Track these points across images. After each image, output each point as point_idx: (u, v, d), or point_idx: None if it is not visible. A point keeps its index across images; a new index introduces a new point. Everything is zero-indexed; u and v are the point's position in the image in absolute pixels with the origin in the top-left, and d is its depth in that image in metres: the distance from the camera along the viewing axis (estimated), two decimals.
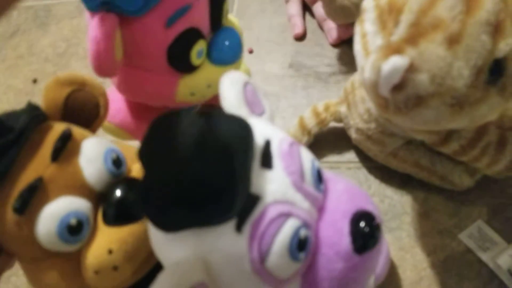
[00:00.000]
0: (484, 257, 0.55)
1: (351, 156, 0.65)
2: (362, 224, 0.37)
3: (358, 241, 0.36)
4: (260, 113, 0.42)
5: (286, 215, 0.34)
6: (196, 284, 0.32)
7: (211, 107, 0.35)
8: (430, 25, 0.38)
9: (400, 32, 0.39)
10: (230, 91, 0.40)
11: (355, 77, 0.59)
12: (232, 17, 0.59)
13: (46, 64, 0.83)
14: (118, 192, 0.41)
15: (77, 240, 0.39)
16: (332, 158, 0.65)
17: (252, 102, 0.41)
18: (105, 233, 0.40)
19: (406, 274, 0.55)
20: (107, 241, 0.40)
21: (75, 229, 0.39)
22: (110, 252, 0.40)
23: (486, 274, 0.54)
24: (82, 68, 0.80)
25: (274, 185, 0.34)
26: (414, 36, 0.38)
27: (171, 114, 0.32)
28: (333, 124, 0.64)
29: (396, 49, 0.38)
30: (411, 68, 0.38)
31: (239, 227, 0.33)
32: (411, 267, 0.56)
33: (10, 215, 0.38)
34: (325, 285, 0.37)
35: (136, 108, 0.59)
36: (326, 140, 0.66)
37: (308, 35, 0.78)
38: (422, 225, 0.58)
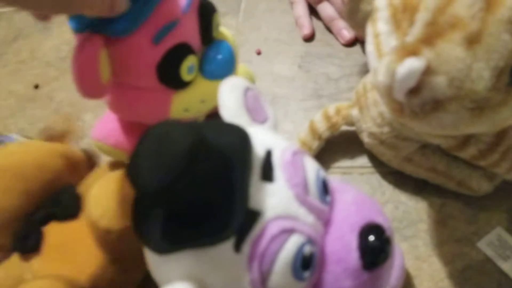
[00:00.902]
0: (505, 266, 0.52)
1: (364, 161, 0.62)
2: (371, 238, 0.34)
3: (367, 257, 0.34)
4: (262, 121, 0.39)
5: (289, 231, 0.31)
6: None
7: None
8: (447, 24, 0.35)
9: (415, 32, 0.36)
10: (229, 98, 0.37)
11: (367, 79, 0.56)
12: (224, 29, 0.57)
13: (49, 68, 0.82)
14: None
15: None
16: (344, 163, 0.62)
17: (254, 109, 0.39)
18: None
19: (423, 285, 0.53)
20: None
21: None
22: None
23: (507, 285, 0.51)
24: None
25: (275, 199, 0.32)
26: (430, 36, 0.35)
27: (160, 125, 0.30)
28: (345, 127, 0.61)
29: (411, 51, 0.35)
30: (428, 71, 0.35)
31: (237, 246, 0.31)
32: (428, 277, 0.53)
33: None
34: None
35: (130, 127, 0.57)
36: (337, 145, 0.63)
37: (318, 36, 0.75)
38: (439, 233, 0.56)
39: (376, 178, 0.60)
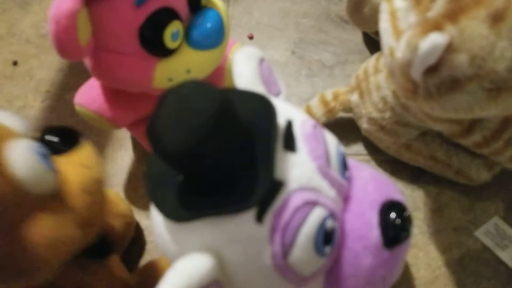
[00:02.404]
0: (503, 255, 0.52)
1: (359, 148, 0.61)
2: (392, 215, 0.33)
3: (389, 234, 0.33)
4: (276, 94, 0.38)
5: (312, 204, 0.30)
6: (208, 284, 0.28)
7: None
8: (472, 0, 0.34)
9: (438, 7, 0.35)
10: (245, 67, 0.36)
11: (368, 64, 0.56)
12: None
13: (28, 45, 0.78)
14: None
15: None
16: None
17: (268, 81, 0.37)
18: None
19: (420, 273, 0.52)
20: None
21: None
22: None
23: (504, 273, 0.51)
24: None
25: (299, 170, 0.30)
26: (454, 12, 0.34)
27: (185, 85, 0.28)
28: (339, 114, 0.60)
29: (435, 25, 0.34)
30: (450, 48, 0.34)
31: (259, 217, 0.29)
32: (425, 265, 0.52)
33: None
34: (351, 283, 0.33)
35: (114, 94, 0.54)
36: (332, 131, 0.61)
37: (312, 22, 0.74)
38: (435, 221, 0.55)
39: (371, 166, 0.59)
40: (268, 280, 0.30)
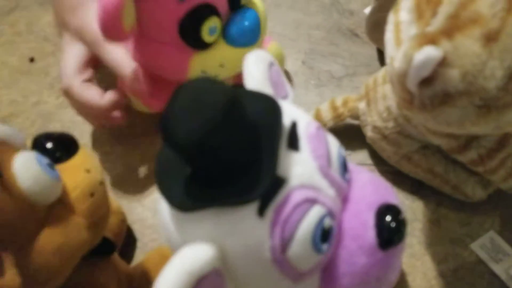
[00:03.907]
0: (497, 268, 0.53)
1: (363, 157, 0.63)
2: (388, 218, 0.35)
3: (384, 235, 0.34)
4: (284, 96, 0.39)
5: (311, 201, 0.31)
6: (210, 273, 0.30)
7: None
8: (468, 19, 0.36)
9: (437, 23, 0.37)
10: (256, 69, 0.37)
11: (378, 74, 0.58)
12: None
13: (45, 43, 0.80)
14: None
15: None
16: None
17: (277, 84, 0.39)
18: None
19: (416, 282, 0.53)
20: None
21: None
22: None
23: (498, 286, 0.52)
24: None
25: (301, 168, 0.32)
26: (451, 29, 0.36)
27: (196, 81, 0.30)
28: (348, 121, 0.62)
29: (431, 39, 0.36)
30: (444, 62, 0.36)
31: (261, 211, 0.30)
32: (421, 275, 0.54)
33: None
34: (346, 281, 0.34)
35: (151, 79, 0.58)
36: (339, 138, 0.63)
37: (323, 34, 0.76)
38: (433, 232, 0.56)
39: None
40: (267, 274, 0.32)
